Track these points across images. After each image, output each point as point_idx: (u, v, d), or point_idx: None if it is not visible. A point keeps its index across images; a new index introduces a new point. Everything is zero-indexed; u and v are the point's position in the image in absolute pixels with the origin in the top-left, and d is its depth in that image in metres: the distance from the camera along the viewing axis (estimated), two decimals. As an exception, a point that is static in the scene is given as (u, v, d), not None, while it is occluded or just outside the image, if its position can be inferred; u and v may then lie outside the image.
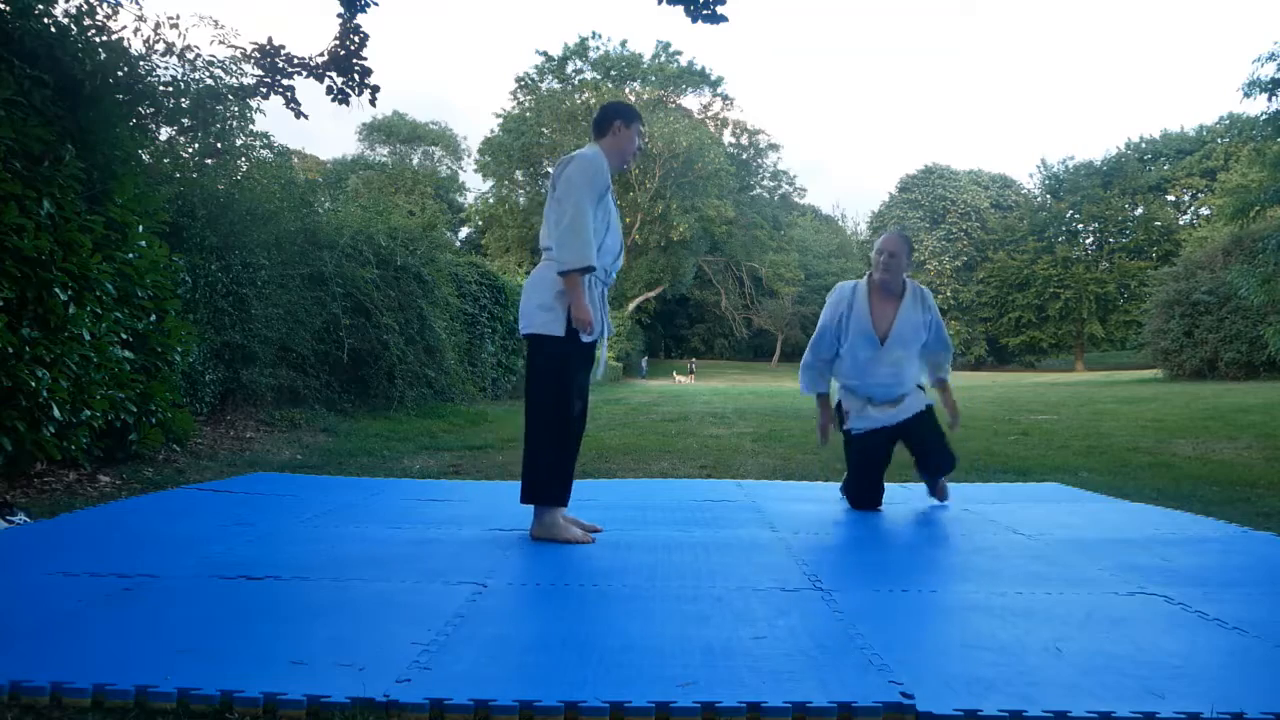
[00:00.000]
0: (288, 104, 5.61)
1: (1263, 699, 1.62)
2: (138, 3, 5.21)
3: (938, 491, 3.92)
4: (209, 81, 5.49)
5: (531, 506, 3.09)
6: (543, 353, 3.04)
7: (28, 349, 3.69)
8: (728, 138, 47.62)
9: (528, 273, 3.46)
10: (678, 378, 32.91)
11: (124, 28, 5.24)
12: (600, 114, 3.23)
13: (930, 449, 3.80)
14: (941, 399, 3.93)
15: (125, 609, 2.13)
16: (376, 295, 8.63)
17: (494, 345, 12.44)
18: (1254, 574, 2.65)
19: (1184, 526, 3.41)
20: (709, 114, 46.06)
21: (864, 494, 3.83)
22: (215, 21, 5.76)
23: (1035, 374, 35.02)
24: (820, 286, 50.22)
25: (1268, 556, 2.91)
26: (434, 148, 50.19)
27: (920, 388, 3.84)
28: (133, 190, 4.45)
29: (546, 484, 3.01)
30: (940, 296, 43.10)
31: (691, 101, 45.27)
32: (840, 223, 62.33)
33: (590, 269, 2.95)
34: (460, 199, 49.17)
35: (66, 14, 4.32)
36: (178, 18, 5.31)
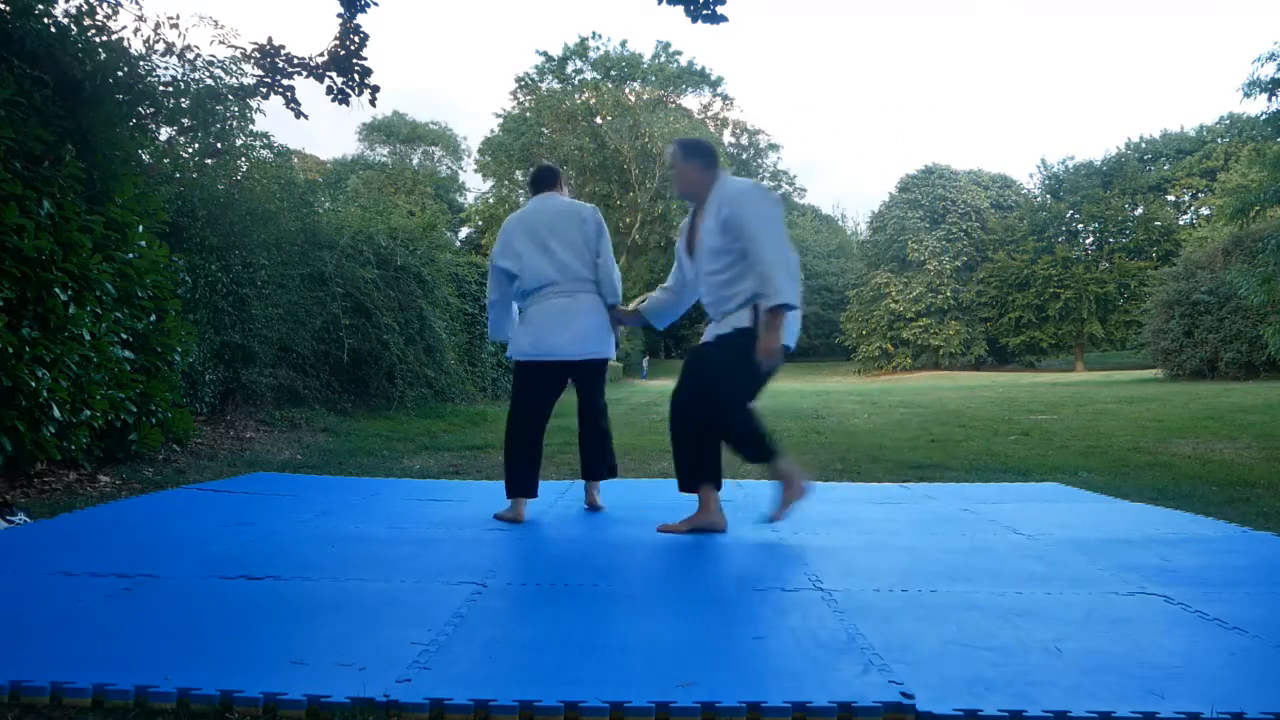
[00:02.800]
0: (288, 104, 5.61)
1: (1263, 699, 1.62)
2: (138, 3, 5.20)
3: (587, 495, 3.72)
4: (209, 81, 5.49)
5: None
6: (739, 347, 3.12)
7: (28, 349, 3.69)
8: (728, 138, 47.60)
9: None
10: None
11: (124, 28, 5.25)
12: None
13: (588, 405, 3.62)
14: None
15: (125, 609, 2.13)
16: (376, 295, 8.63)
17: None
18: (1254, 574, 2.65)
19: (1184, 526, 3.41)
20: (709, 114, 46.02)
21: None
22: (215, 21, 5.77)
23: (1035, 374, 34.99)
24: (820, 286, 50.15)
25: (1268, 556, 2.91)
26: (434, 148, 50.20)
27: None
28: (133, 190, 4.45)
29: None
30: (940, 296, 42.91)
31: (691, 101, 45.24)
32: (840, 223, 62.39)
33: None
34: (460, 199, 49.14)
35: (66, 14, 4.33)
36: (178, 18, 5.32)
